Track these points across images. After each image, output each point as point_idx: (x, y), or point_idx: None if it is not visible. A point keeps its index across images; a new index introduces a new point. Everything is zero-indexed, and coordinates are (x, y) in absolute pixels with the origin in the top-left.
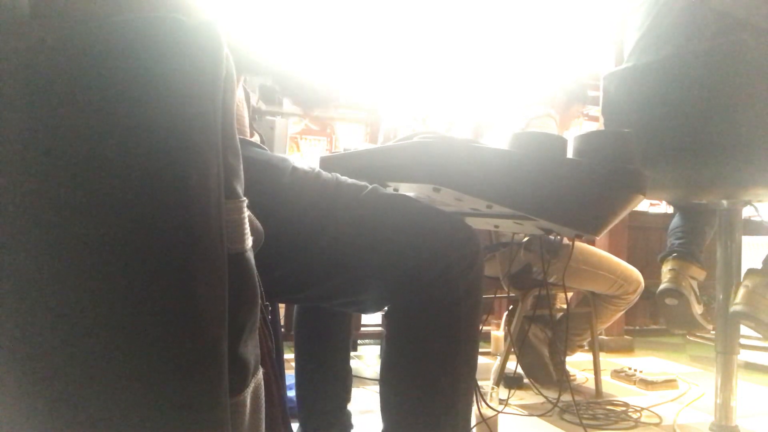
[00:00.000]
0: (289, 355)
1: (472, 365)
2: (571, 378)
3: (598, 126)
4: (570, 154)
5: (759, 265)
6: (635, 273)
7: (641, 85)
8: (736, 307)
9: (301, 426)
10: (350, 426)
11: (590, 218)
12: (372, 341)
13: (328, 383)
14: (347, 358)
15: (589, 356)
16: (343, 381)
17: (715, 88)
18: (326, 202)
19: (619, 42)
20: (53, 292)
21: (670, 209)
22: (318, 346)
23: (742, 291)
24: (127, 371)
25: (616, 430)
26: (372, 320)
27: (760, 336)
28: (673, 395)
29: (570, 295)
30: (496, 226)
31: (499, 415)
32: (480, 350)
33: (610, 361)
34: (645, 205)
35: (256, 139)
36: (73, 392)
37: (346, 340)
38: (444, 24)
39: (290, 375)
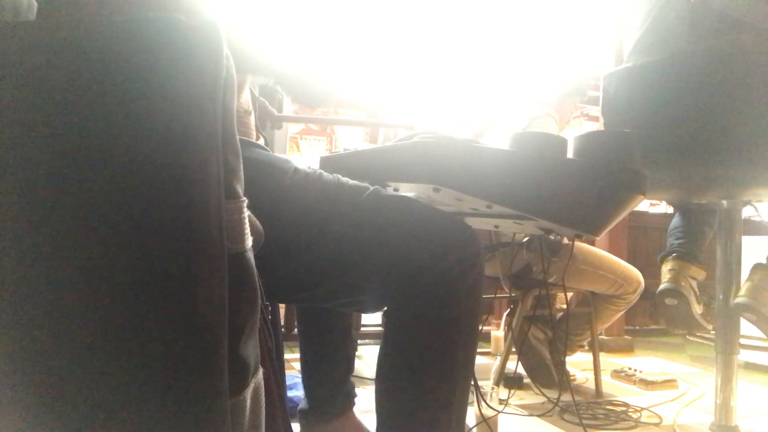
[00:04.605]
0: (289, 355)
1: (471, 366)
2: (571, 378)
3: (598, 126)
4: (570, 154)
5: (764, 261)
6: (635, 273)
7: (641, 85)
8: (739, 299)
9: (305, 395)
10: (353, 396)
11: (590, 218)
12: (372, 341)
13: (332, 353)
14: (351, 327)
15: (589, 356)
16: (347, 351)
17: (715, 88)
18: (327, 204)
19: (619, 42)
20: (53, 291)
21: (670, 209)
22: (323, 315)
23: (747, 284)
24: (127, 371)
25: (616, 430)
26: (372, 320)
27: (760, 336)
28: (673, 395)
29: (570, 295)
30: (496, 226)
31: (499, 415)
32: (480, 350)
33: (610, 361)
34: (645, 205)
35: (261, 142)
36: (72, 391)
37: (350, 315)
38: (444, 24)
39: (290, 375)
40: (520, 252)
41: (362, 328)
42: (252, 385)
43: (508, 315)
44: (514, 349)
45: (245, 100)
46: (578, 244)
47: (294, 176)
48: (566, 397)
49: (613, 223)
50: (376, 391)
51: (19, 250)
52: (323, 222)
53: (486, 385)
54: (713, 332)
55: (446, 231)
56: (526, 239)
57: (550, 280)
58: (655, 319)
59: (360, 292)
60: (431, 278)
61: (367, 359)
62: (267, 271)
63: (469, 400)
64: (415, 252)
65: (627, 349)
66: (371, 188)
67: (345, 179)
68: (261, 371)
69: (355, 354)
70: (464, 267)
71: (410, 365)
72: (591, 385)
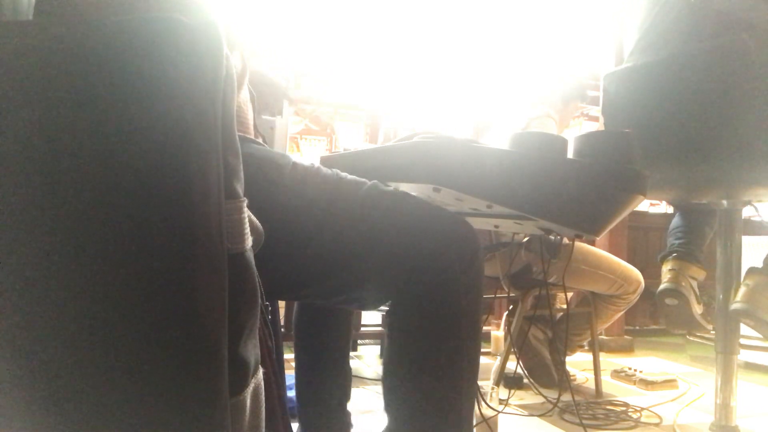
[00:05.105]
0: (289, 355)
1: (475, 363)
2: (571, 378)
3: (598, 126)
4: (570, 154)
5: (759, 264)
6: (635, 273)
7: (641, 85)
8: (736, 305)
9: (301, 425)
10: (350, 425)
11: (590, 218)
12: (372, 341)
13: (328, 382)
14: (347, 357)
15: (589, 356)
16: (342, 379)
17: (715, 88)
18: (326, 198)
19: (619, 42)
20: (53, 291)
21: (670, 209)
22: (317, 344)
23: (742, 289)
24: (127, 371)
25: (616, 430)
26: (372, 320)
27: (760, 336)
28: (673, 395)
29: (570, 295)
30: (496, 226)
31: (499, 415)
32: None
33: (610, 361)
34: (645, 205)
35: (259, 141)
36: (72, 391)
37: (346, 338)
38: (444, 24)
39: (290, 375)
40: (519, 252)
41: (362, 328)
42: (252, 385)
43: (508, 315)
44: (514, 349)
45: (244, 98)
46: (578, 244)
47: (292, 171)
48: (566, 397)
49: (613, 223)
50: (384, 391)
51: (18, 251)
52: (322, 217)
53: (486, 385)
54: (713, 332)
55: (445, 227)
56: (525, 239)
57: (550, 280)
58: (655, 319)
59: (359, 288)
60: (431, 275)
61: (367, 359)
62: (266, 267)
63: None
64: (413, 248)
65: (627, 349)
66: (370, 183)
67: (344, 174)
68: (261, 371)
69: (350, 383)
70: (464, 264)
71: (415, 364)
72: (591, 385)
